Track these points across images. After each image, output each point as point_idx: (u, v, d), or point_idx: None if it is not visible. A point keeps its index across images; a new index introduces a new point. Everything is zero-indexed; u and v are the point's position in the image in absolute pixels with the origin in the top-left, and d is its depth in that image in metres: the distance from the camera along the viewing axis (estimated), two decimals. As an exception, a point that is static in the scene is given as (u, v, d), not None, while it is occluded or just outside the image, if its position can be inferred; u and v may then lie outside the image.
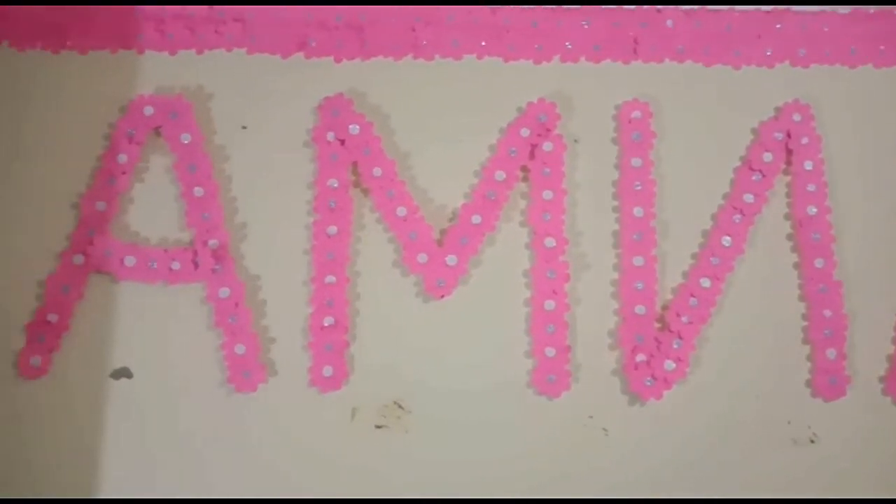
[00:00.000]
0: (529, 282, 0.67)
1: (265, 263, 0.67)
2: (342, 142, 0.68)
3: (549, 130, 0.69)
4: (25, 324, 0.64)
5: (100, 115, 0.69)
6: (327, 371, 0.65)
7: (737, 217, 0.68)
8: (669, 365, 0.65)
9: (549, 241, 0.67)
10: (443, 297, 0.66)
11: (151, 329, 0.65)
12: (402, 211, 0.67)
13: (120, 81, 0.69)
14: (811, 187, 0.68)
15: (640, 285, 0.67)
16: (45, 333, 0.64)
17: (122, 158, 0.67)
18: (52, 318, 0.64)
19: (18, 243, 0.66)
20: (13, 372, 0.64)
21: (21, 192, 0.67)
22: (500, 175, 0.68)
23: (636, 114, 0.70)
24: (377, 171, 0.68)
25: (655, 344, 0.66)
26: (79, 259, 0.65)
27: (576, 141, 0.70)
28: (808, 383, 0.66)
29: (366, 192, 0.68)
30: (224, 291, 0.65)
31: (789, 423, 0.65)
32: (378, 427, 0.65)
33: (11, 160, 0.68)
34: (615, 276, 0.67)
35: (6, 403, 0.63)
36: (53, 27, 0.70)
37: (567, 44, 0.71)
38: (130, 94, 0.69)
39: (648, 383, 0.65)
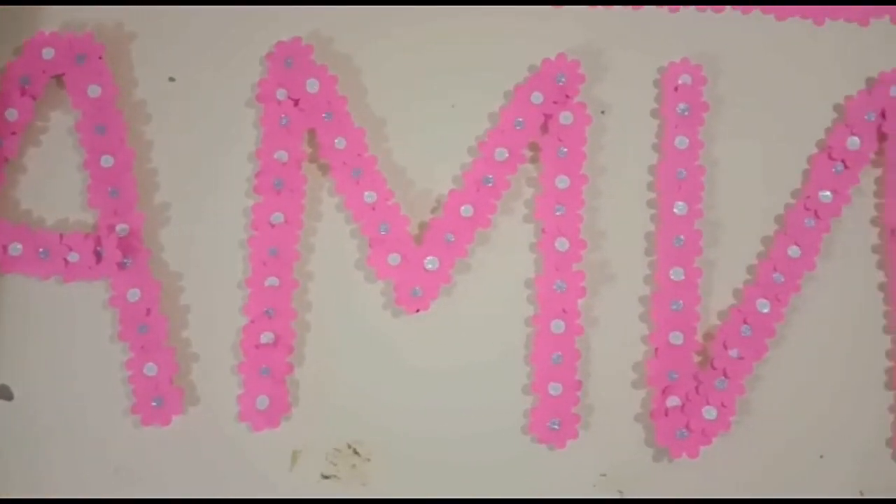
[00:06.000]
0: (533, 295, 0.52)
1: (190, 258, 0.52)
2: (296, 102, 0.53)
3: (568, 97, 0.53)
4: None
5: (-22, 57, 0.54)
6: (262, 402, 0.50)
7: (809, 221, 0.52)
8: (710, 412, 0.50)
9: (562, 243, 0.51)
10: (418, 310, 0.51)
11: (39, 338, 0.50)
12: (370, 196, 0.52)
13: (13, 15, 0.53)
14: (910, 185, 0.54)
15: (677, 306, 0.51)
16: None
17: (12, 114, 0.52)
18: None
19: None
20: None
21: None
22: (501, 153, 0.52)
23: (685, 78, 0.53)
24: (340, 143, 0.52)
25: (693, 384, 0.50)
26: (-54, 244, 0.52)
27: (603, 112, 0.54)
28: (890, 442, 0.50)
29: (324, 169, 0.53)
30: (133, 293, 0.50)
31: (862, 493, 0.50)
32: (326, 477, 0.50)
33: None
34: (646, 291, 0.52)
35: None
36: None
37: (597, -17, 0.56)
38: (27, 31, 0.53)
39: (681, 435, 0.50)
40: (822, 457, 0.51)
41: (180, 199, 0.52)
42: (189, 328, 0.51)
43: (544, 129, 0.53)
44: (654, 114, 0.54)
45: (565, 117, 0.53)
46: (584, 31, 0.54)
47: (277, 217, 0.52)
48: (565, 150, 0.53)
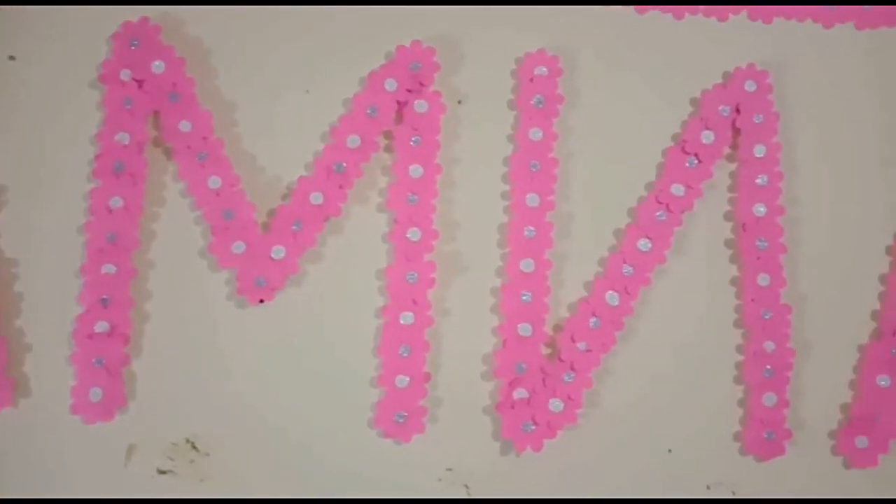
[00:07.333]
0: (384, 286, 0.51)
1: (25, 244, 0.49)
2: (140, 83, 0.51)
3: (423, 85, 0.52)
4: None
5: None
6: (95, 394, 0.48)
7: (661, 214, 0.52)
8: (556, 405, 0.50)
9: (414, 233, 0.50)
10: (262, 301, 0.50)
11: None
12: (215, 182, 0.50)
13: None
14: (761, 180, 0.54)
15: (526, 297, 0.51)
16: None
17: None
18: None
19: None
20: None
21: None
22: (353, 140, 0.51)
23: (541, 70, 0.53)
24: (185, 126, 0.50)
25: (541, 376, 0.50)
26: None
27: (459, 102, 0.53)
28: (738, 436, 0.51)
29: (169, 153, 0.51)
30: (-39, 279, 0.50)
31: (708, 487, 0.51)
32: (162, 472, 0.49)
33: None
34: (498, 283, 0.51)
35: None
36: None
37: (456, -30, 0.55)
38: None
39: (527, 428, 0.50)
40: (669, 451, 0.51)
41: (17, 182, 0.50)
42: (23, 317, 0.49)
43: (399, 117, 0.52)
44: (511, 105, 0.53)
45: (420, 105, 0.52)
46: (441, 19, 0.53)
47: (116, 202, 0.50)
48: (419, 138, 0.52)
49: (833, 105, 0.54)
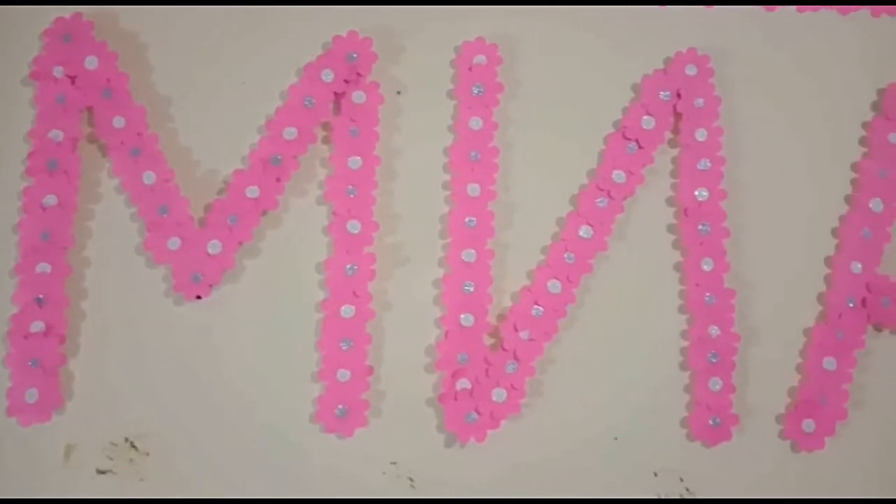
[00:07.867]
0: (324, 279, 0.50)
1: (-43, 244, 0.50)
2: (73, 79, 0.50)
3: (360, 75, 0.51)
4: None
5: None
6: (31, 395, 0.47)
7: (602, 201, 0.52)
8: (500, 395, 0.49)
9: (354, 226, 0.50)
10: (199, 297, 0.49)
11: None
12: (150, 177, 0.50)
13: None
14: (703, 164, 0.53)
15: (469, 287, 0.50)
16: None
17: None
18: None
19: None
20: None
21: None
22: (289, 132, 0.51)
23: (480, 59, 0.52)
24: (119, 122, 0.50)
25: (483, 367, 0.50)
26: None
27: (398, 92, 0.52)
28: (684, 422, 0.50)
29: (103, 149, 0.50)
30: None
31: (656, 474, 0.50)
32: (101, 472, 0.48)
33: None
34: (440, 274, 0.51)
35: None
36: None
37: (392, -40, 0.54)
38: None
39: (470, 419, 0.50)
40: (616, 439, 0.51)
41: (-52, 182, 0.51)
42: (-45, 318, 0.49)
43: (337, 108, 0.52)
44: (450, 94, 0.53)
45: (358, 96, 0.52)
46: (378, 9, 0.53)
47: (50, 199, 0.49)
48: (357, 129, 0.52)
49: (775, 88, 0.54)
